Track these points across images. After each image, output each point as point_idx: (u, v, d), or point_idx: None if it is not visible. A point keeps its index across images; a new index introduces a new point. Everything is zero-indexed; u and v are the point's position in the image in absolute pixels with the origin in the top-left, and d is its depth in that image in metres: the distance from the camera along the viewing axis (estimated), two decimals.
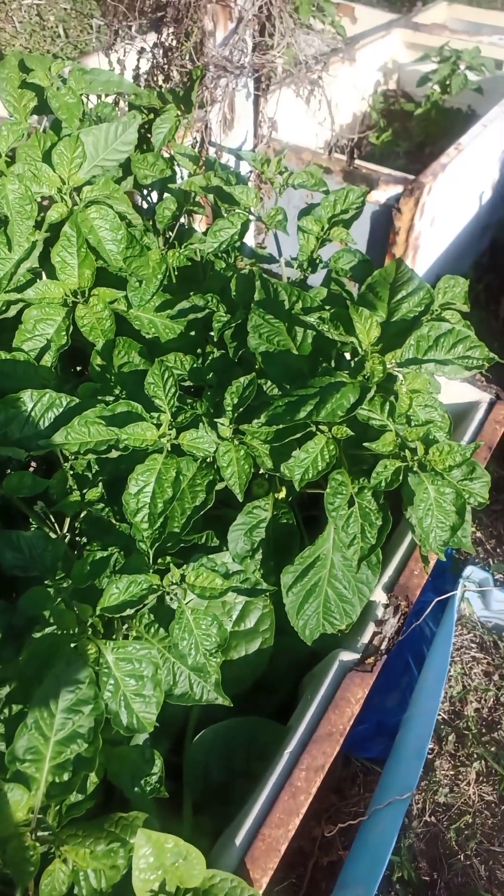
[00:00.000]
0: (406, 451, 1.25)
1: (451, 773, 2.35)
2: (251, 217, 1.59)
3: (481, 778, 2.34)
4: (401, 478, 1.24)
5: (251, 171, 2.06)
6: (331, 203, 1.59)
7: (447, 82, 4.09)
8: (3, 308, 1.63)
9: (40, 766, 0.97)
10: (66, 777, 0.97)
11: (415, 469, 1.23)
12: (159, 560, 1.28)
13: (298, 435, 1.29)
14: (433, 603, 2.16)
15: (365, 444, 1.24)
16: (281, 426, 1.24)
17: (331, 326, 1.29)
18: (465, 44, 4.21)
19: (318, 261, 1.60)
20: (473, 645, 2.63)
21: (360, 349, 1.28)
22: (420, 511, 1.22)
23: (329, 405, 1.19)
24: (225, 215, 1.59)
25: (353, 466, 1.36)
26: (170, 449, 1.32)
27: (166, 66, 2.13)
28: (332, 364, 1.39)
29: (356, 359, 1.31)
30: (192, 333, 1.69)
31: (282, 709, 1.67)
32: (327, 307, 1.38)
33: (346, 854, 2.05)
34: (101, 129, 1.65)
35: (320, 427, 1.32)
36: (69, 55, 5.17)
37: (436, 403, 1.30)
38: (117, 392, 1.54)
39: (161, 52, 2.11)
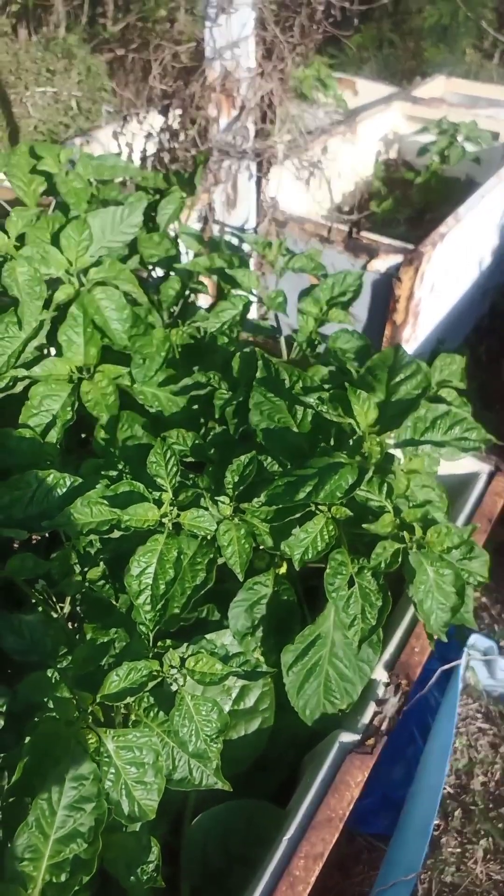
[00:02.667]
0: (405, 532, 1.26)
1: (458, 850, 2.28)
2: (252, 298, 1.64)
3: (489, 856, 2.27)
4: (400, 559, 1.24)
5: (253, 251, 2.12)
6: (329, 286, 1.64)
7: (445, 153, 4.23)
8: (11, 384, 1.67)
9: (38, 865, 0.95)
10: (63, 878, 0.95)
11: (414, 550, 1.24)
12: (158, 643, 1.28)
13: (298, 514, 1.31)
14: (438, 672, 2.14)
15: (364, 526, 1.25)
16: (281, 506, 1.26)
17: (329, 407, 1.31)
18: (462, 116, 4.37)
19: (316, 341, 1.64)
20: (479, 715, 2.58)
21: (357, 430, 1.31)
22: (420, 593, 1.23)
23: (328, 486, 1.21)
24: (227, 296, 1.64)
25: (352, 545, 1.37)
26: (171, 528, 1.33)
27: (172, 149, 2.22)
28: (332, 442, 1.41)
29: (354, 438, 1.33)
30: (195, 407, 1.72)
31: (283, 788, 1.64)
32: (326, 387, 1.41)
33: None
34: (108, 212, 1.71)
35: (320, 507, 1.34)
36: (81, 126, 5.37)
37: (434, 484, 1.32)
38: (120, 467, 1.56)
39: (167, 136, 2.20)
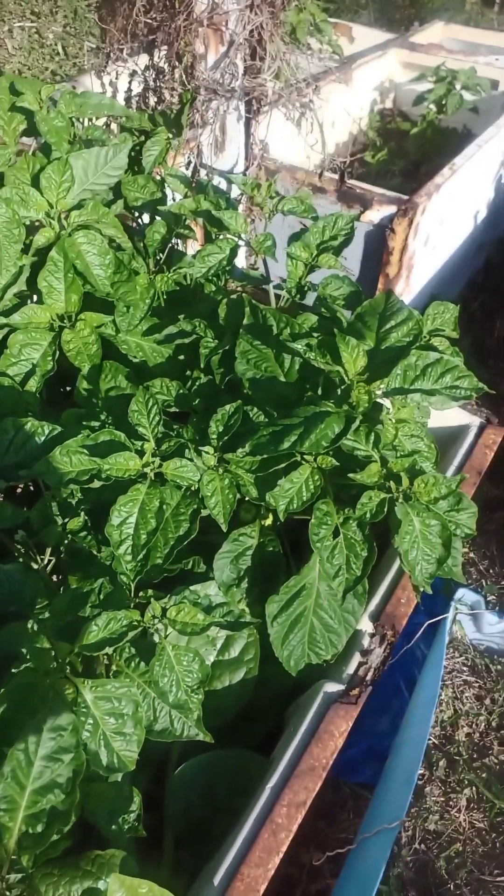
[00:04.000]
0: (391, 482, 1.23)
1: (442, 799, 2.32)
2: (240, 242, 1.58)
3: (472, 805, 2.31)
4: (385, 509, 1.22)
5: (242, 194, 2.06)
6: (319, 229, 1.58)
7: (443, 102, 4.11)
8: None
9: (14, 816, 0.94)
10: (39, 828, 0.94)
11: (400, 501, 1.22)
12: (140, 593, 1.26)
13: (283, 465, 1.28)
14: (424, 626, 2.15)
15: (349, 476, 1.22)
16: (265, 456, 1.23)
17: (318, 354, 1.28)
18: (461, 64, 4.24)
19: (306, 287, 1.59)
20: (465, 668, 2.60)
21: (346, 378, 1.27)
22: (406, 543, 1.21)
23: (313, 436, 1.18)
24: (214, 240, 1.58)
25: (338, 496, 1.34)
26: (153, 478, 1.30)
27: (158, 89, 2.13)
28: (320, 391, 1.38)
29: (342, 387, 1.29)
30: (181, 358, 1.68)
31: (267, 739, 1.65)
32: (315, 334, 1.37)
33: (335, 882, 2.02)
34: (91, 153, 1.64)
35: (305, 457, 1.31)
36: (68, 72, 5.19)
37: (422, 433, 1.29)
38: (103, 417, 1.53)
39: (152, 74, 2.11)
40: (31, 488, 1.72)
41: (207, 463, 1.34)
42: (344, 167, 2.37)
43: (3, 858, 0.97)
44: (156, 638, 1.20)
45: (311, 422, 1.20)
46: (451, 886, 2.14)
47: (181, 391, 1.51)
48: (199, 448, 1.36)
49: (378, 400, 1.31)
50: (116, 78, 2.20)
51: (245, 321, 1.44)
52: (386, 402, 1.38)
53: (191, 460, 1.36)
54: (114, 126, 2.13)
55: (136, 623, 1.16)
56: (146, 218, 2.08)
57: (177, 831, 1.49)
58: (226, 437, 1.35)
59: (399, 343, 1.28)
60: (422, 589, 1.50)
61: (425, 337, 1.50)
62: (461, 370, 1.29)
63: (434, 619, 2.30)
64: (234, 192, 2.13)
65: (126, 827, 1.23)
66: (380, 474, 1.23)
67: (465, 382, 1.30)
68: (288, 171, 3.13)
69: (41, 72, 4.97)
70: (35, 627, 1.17)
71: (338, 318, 1.42)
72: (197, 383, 1.54)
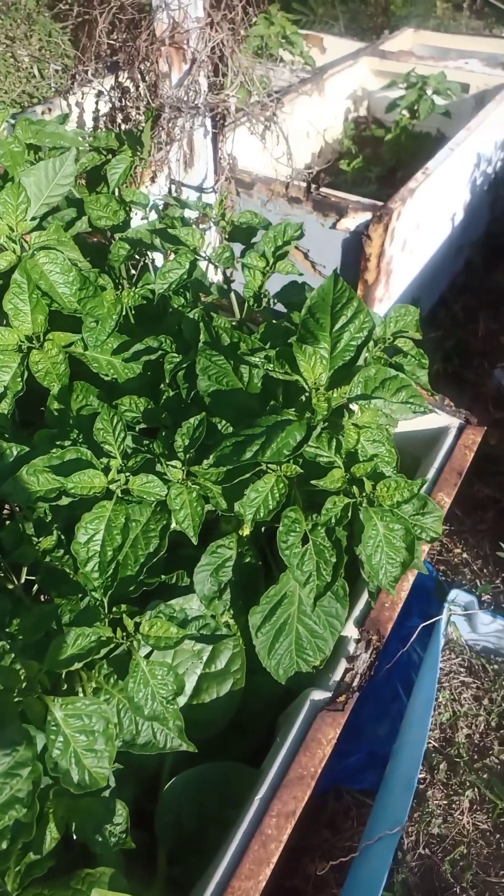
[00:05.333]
0: (355, 486, 1.23)
1: (444, 802, 2.30)
2: (199, 257, 1.60)
3: (475, 806, 2.29)
4: (349, 514, 1.22)
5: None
6: (271, 238, 1.60)
7: (415, 107, 4.14)
8: None
9: None
10: (4, 845, 0.94)
11: (364, 505, 1.22)
12: (114, 608, 1.26)
13: (249, 474, 1.28)
14: (419, 628, 2.14)
15: (312, 482, 1.23)
16: (229, 467, 1.23)
17: (276, 365, 1.28)
18: (431, 69, 4.27)
19: (264, 295, 1.60)
20: (462, 669, 2.59)
21: (306, 386, 1.28)
22: (369, 548, 1.21)
23: (275, 445, 1.18)
24: (173, 258, 1.60)
25: (308, 503, 1.35)
26: (120, 495, 1.30)
27: (124, 108, 2.16)
28: (282, 400, 1.39)
29: (305, 395, 1.30)
30: (150, 374, 1.69)
31: (258, 749, 1.64)
32: (267, 347, 1.38)
33: (340, 892, 2.01)
34: (39, 167, 1.66)
35: (270, 466, 1.31)
36: (44, 94, 5.24)
37: (384, 438, 1.29)
38: (75, 437, 1.53)
39: (118, 94, 2.14)
40: (6, 510, 1.72)
41: (175, 476, 1.34)
42: (310, 177, 2.38)
43: None
44: (143, 653, 1.20)
45: (273, 431, 1.21)
46: (457, 890, 2.12)
47: (149, 406, 1.52)
48: (168, 462, 1.37)
49: (342, 406, 1.32)
50: (83, 98, 2.22)
51: (201, 338, 1.45)
52: (352, 408, 1.38)
53: (162, 475, 1.37)
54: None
55: (105, 639, 1.17)
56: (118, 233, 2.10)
57: (169, 846, 1.49)
58: (192, 451, 1.36)
59: (354, 340, 1.29)
60: (384, 593, 1.50)
61: (389, 339, 1.51)
62: (413, 390, 1.30)
63: (428, 622, 2.30)
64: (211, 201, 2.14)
65: (113, 840, 1.23)
66: (343, 479, 1.24)
67: (419, 401, 1.31)
68: (263, 182, 3.16)
69: (18, 95, 5.02)
70: (7, 647, 1.17)
71: (295, 324, 1.43)
72: (164, 398, 1.55)
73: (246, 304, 1.62)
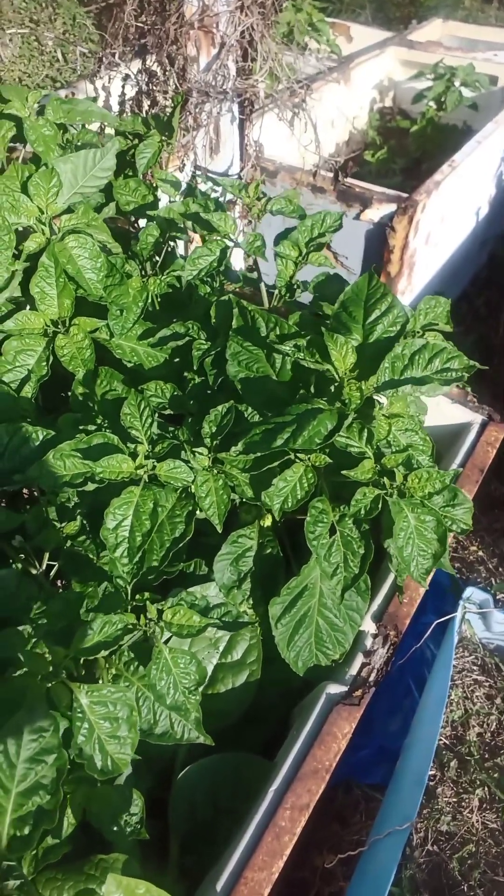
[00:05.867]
0: (386, 478, 1.22)
1: (454, 800, 2.29)
2: (230, 244, 1.58)
3: (484, 805, 2.28)
4: (379, 506, 1.21)
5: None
6: (308, 227, 1.57)
7: (442, 99, 4.10)
8: None
9: (2, 820, 0.94)
10: (26, 831, 0.94)
11: (394, 497, 1.20)
12: (137, 596, 1.26)
13: (277, 463, 1.27)
14: (433, 625, 2.13)
15: (343, 473, 1.21)
16: (258, 454, 1.22)
17: (307, 354, 1.27)
18: (459, 60, 4.22)
19: (296, 285, 1.58)
20: (475, 667, 2.58)
21: (336, 376, 1.26)
22: (400, 540, 1.19)
23: (306, 433, 1.17)
24: (204, 244, 1.58)
25: (336, 494, 1.33)
26: (147, 480, 1.29)
27: (151, 92, 2.14)
28: (313, 389, 1.37)
29: (335, 385, 1.28)
30: (176, 360, 1.67)
31: (272, 741, 1.63)
32: (304, 333, 1.36)
33: (347, 886, 2.01)
34: (80, 156, 1.64)
35: (299, 455, 1.30)
36: (67, 79, 5.21)
37: (416, 427, 1.28)
38: (99, 422, 1.52)
39: (145, 78, 2.12)
40: (29, 494, 1.72)
41: (201, 463, 1.33)
42: (338, 166, 2.35)
43: None
44: (157, 641, 1.19)
45: (304, 419, 1.20)
46: (465, 888, 2.12)
47: (175, 393, 1.51)
48: (194, 449, 1.36)
49: (372, 396, 1.30)
50: (109, 82, 2.20)
51: (234, 323, 1.43)
52: (381, 398, 1.37)
53: (186, 462, 1.35)
54: (109, 130, 2.14)
55: (131, 626, 1.16)
56: (143, 222, 2.08)
57: (182, 835, 1.49)
58: (219, 438, 1.34)
59: (386, 334, 1.27)
60: (409, 590, 1.49)
61: (418, 332, 1.49)
62: (449, 352, 1.28)
63: (443, 619, 2.29)
64: (230, 196, 2.12)
65: (128, 830, 1.23)
66: (373, 470, 1.22)
67: (455, 363, 1.28)
68: (287, 171, 3.13)
69: (42, 79, 4.99)
70: (31, 632, 1.17)
71: (327, 315, 1.41)
72: (191, 385, 1.54)
73: (276, 294, 1.60)
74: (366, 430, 1.23)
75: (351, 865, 2.07)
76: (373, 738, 2.37)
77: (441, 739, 2.41)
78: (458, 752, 2.38)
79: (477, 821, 2.24)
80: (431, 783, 2.31)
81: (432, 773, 2.34)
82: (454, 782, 2.32)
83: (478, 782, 2.30)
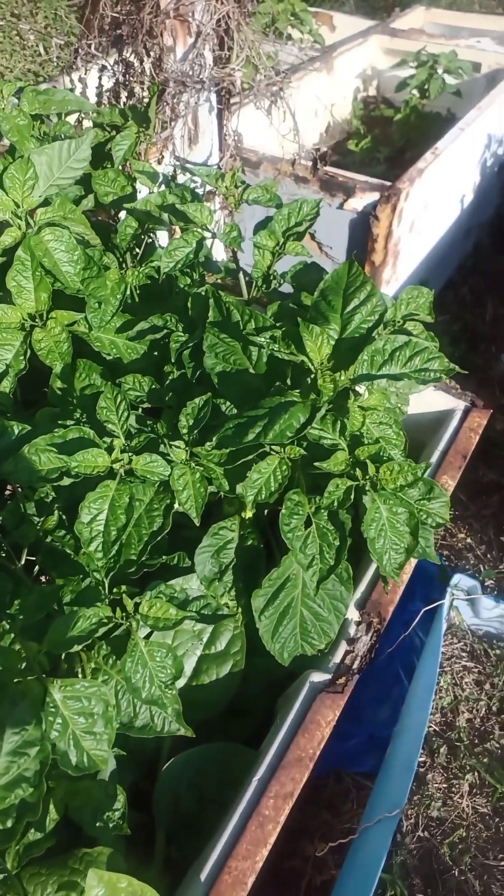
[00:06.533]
0: (358, 469, 1.22)
1: (444, 786, 2.31)
2: (206, 234, 1.57)
3: (475, 790, 2.30)
4: (352, 497, 1.21)
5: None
6: (284, 216, 1.57)
7: (425, 87, 4.08)
8: None
9: None
10: (9, 823, 0.94)
11: (367, 488, 1.20)
12: (115, 589, 1.26)
13: (252, 456, 1.27)
14: (421, 612, 2.13)
15: (315, 464, 1.21)
16: (232, 448, 1.22)
17: (282, 345, 1.26)
18: (442, 48, 4.20)
19: (273, 276, 1.57)
20: (464, 654, 2.59)
21: (311, 367, 1.26)
22: (372, 531, 1.19)
23: (277, 426, 1.17)
24: (180, 235, 1.57)
25: (312, 486, 1.33)
26: (123, 474, 1.29)
27: (128, 83, 2.12)
28: (289, 381, 1.36)
29: (310, 377, 1.28)
30: (155, 353, 1.67)
31: (257, 731, 1.64)
32: (279, 325, 1.35)
33: (339, 873, 2.02)
34: (54, 147, 1.63)
35: (273, 448, 1.30)
36: (50, 73, 5.18)
37: (391, 420, 1.27)
38: (77, 416, 1.52)
39: (122, 69, 2.10)
40: (8, 491, 1.71)
41: (178, 457, 1.33)
42: (317, 155, 2.34)
43: None
44: (142, 634, 1.19)
45: (276, 412, 1.19)
46: (456, 872, 2.13)
47: (154, 386, 1.51)
48: (170, 443, 1.35)
49: (348, 388, 1.30)
50: (86, 74, 2.19)
51: (210, 315, 1.43)
52: (358, 390, 1.37)
53: (165, 455, 1.35)
54: (86, 123, 2.12)
55: (106, 620, 1.16)
56: (123, 214, 2.07)
57: (167, 827, 1.49)
58: (196, 431, 1.34)
59: (365, 324, 1.26)
60: (395, 578, 1.49)
61: (399, 321, 1.49)
62: (431, 352, 1.27)
63: (431, 606, 2.29)
64: (209, 186, 2.11)
65: (111, 825, 1.23)
66: (347, 462, 1.22)
67: (436, 364, 1.28)
68: (270, 162, 3.12)
69: (23, 73, 4.96)
70: (6, 627, 1.17)
71: (305, 306, 1.40)
72: (169, 378, 1.53)
73: (254, 285, 1.60)
74: (339, 421, 1.22)
75: (342, 853, 2.08)
76: (362, 727, 2.37)
77: (430, 726, 2.42)
78: (447, 738, 2.39)
79: (467, 806, 2.26)
80: (421, 769, 2.32)
81: (422, 759, 2.35)
82: (444, 768, 2.33)
83: (468, 768, 2.31)
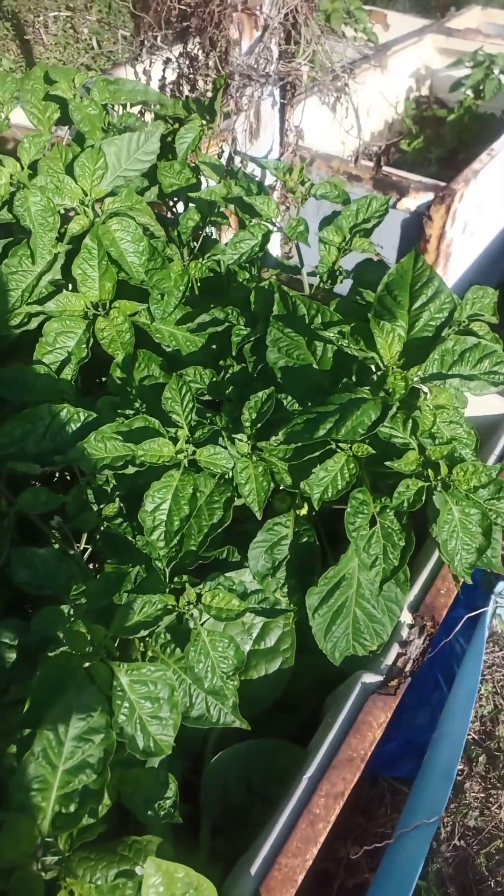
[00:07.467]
0: (429, 470, 1.20)
1: (482, 795, 2.28)
2: (272, 228, 1.56)
3: None
4: (423, 498, 1.19)
5: (277, 181, 2.04)
6: (353, 212, 1.55)
7: (480, 87, 4.03)
8: (25, 320, 1.63)
9: (47, 796, 0.94)
10: (72, 808, 0.94)
11: (439, 489, 1.19)
12: (175, 579, 1.26)
13: (318, 452, 1.26)
14: (464, 619, 2.11)
15: (386, 464, 1.20)
16: (300, 444, 1.21)
17: (351, 341, 1.25)
18: (499, 48, 4.14)
19: (338, 272, 1.56)
20: None
21: (381, 364, 1.24)
22: (444, 533, 1.18)
23: (349, 423, 1.15)
24: (247, 227, 1.57)
25: (375, 485, 1.32)
26: (187, 465, 1.29)
27: (192, 76, 2.12)
28: (354, 378, 1.35)
29: (378, 374, 1.27)
30: (214, 347, 1.67)
31: (303, 729, 1.63)
32: (347, 320, 1.34)
33: (373, 877, 2.00)
34: (124, 139, 1.63)
35: (340, 445, 1.28)
36: (102, 66, 5.22)
37: (461, 420, 1.25)
38: (137, 406, 1.52)
39: (186, 62, 2.10)
40: (68, 476, 1.72)
41: (241, 450, 1.32)
42: (380, 153, 2.32)
43: (37, 839, 0.97)
44: (191, 623, 1.19)
45: (347, 409, 1.18)
46: (492, 883, 2.10)
47: (214, 379, 1.50)
48: (232, 436, 1.35)
49: (415, 386, 1.28)
50: (150, 66, 2.19)
51: (275, 309, 1.42)
52: (423, 388, 1.35)
53: (224, 448, 1.35)
54: (148, 116, 2.13)
55: (171, 607, 1.16)
56: (180, 207, 2.07)
57: (213, 818, 1.49)
58: (259, 425, 1.34)
59: (433, 321, 1.25)
60: (462, 580, 1.47)
61: (464, 322, 1.47)
62: (499, 355, 1.25)
63: (474, 613, 2.26)
64: (268, 181, 2.11)
65: (162, 813, 1.23)
66: (417, 462, 1.20)
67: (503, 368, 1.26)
68: (323, 159, 3.10)
69: (77, 67, 5.00)
70: (71, 611, 1.17)
71: (370, 303, 1.39)
72: (230, 372, 1.53)
73: (318, 280, 1.59)
74: (410, 420, 1.21)
75: (375, 858, 2.06)
76: (400, 732, 2.35)
77: (470, 734, 2.39)
78: (486, 747, 2.36)
79: None
80: (459, 778, 2.30)
81: (460, 767, 2.32)
82: (482, 778, 2.30)
83: None
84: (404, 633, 1.54)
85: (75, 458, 1.27)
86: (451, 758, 1.94)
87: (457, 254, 3.16)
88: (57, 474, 1.76)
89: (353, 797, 2.28)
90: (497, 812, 2.23)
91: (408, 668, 1.49)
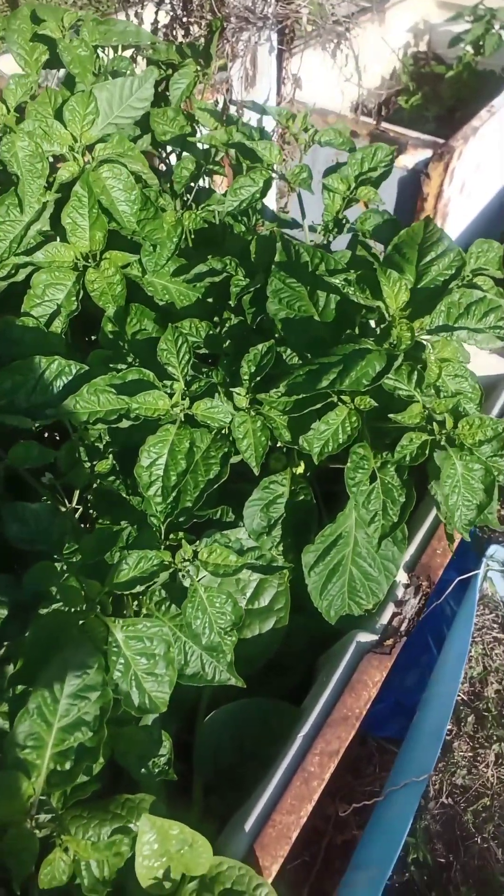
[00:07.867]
0: (433, 424, 1.17)
1: (470, 754, 2.30)
2: (274, 175, 1.51)
3: (500, 760, 2.29)
4: (427, 452, 1.16)
5: (274, 131, 1.97)
6: (358, 161, 1.50)
7: (480, 43, 3.93)
8: (13, 272, 1.57)
9: (42, 753, 0.92)
10: (67, 766, 0.93)
11: (442, 443, 1.16)
12: (171, 536, 1.23)
13: (319, 406, 1.22)
14: (455, 582, 2.10)
15: (390, 416, 1.17)
16: (301, 396, 1.17)
17: (357, 289, 1.21)
18: (500, 2, 4.03)
19: (343, 221, 1.51)
20: (495, 625, 2.57)
21: (387, 314, 1.20)
22: (446, 488, 1.15)
23: (353, 374, 1.12)
24: (246, 173, 1.51)
25: (375, 440, 1.29)
26: (183, 419, 1.25)
27: (186, 19, 2.04)
28: (357, 331, 1.31)
29: (383, 325, 1.23)
30: (209, 300, 1.62)
31: (296, 689, 1.63)
32: (352, 270, 1.30)
33: (361, 834, 2.02)
34: (116, 84, 1.56)
35: (342, 398, 1.25)
36: (105, 10, 5.04)
37: (467, 373, 1.22)
38: (130, 360, 1.48)
39: (180, 3, 2.01)
40: (57, 436, 1.68)
41: (239, 404, 1.29)
42: (380, 102, 2.25)
43: (31, 796, 0.95)
44: (187, 580, 1.17)
45: (351, 360, 1.15)
46: (479, 839, 2.13)
47: (211, 332, 1.46)
48: (231, 390, 1.31)
49: (420, 340, 1.25)
50: (142, 9, 2.10)
51: (277, 258, 1.37)
52: (427, 343, 1.31)
53: (221, 402, 1.31)
54: (140, 60, 2.04)
55: (167, 563, 1.13)
56: (173, 160, 2.00)
57: (206, 777, 1.49)
58: (258, 378, 1.30)
59: (440, 277, 1.21)
60: (458, 537, 1.46)
61: (468, 276, 1.43)
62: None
63: (465, 576, 2.26)
64: (267, 128, 2.04)
65: (156, 770, 1.22)
66: (422, 415, 1.18)
67: None
68: (319, 114, 3.01)
69: (79, 8, 4.83)
70: (64, 567, 1.14)
71: (375, 254, 1.35)
72: (227, 324, 1.48)
73: (321, 229, 1.53)
74: (415, 372, 1.18)
75: (364, 815, 2.08)
76: (389, 692, 2.36)
77: (459, 695, 2.41)
78: (475, 707, 2.38)
79: (492, 775, 2.25)
80: (448, 738, 2.31)
81: (449, 728, 2.34)
82: (471, 737, 2.32)
83: (494, 738, 2.30)
84: (399, 592, 1.52)
85: (67, 412, 1.23)
86: (440, 718, 1.94)
87: (454, 213, 3.10)
88: (47, 433, 1.72)
89: (343, 756, 2.30)
90: (484, 771, 2.26)
91: (403, 628, 1.48)
